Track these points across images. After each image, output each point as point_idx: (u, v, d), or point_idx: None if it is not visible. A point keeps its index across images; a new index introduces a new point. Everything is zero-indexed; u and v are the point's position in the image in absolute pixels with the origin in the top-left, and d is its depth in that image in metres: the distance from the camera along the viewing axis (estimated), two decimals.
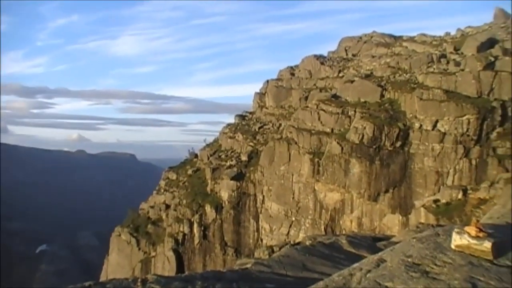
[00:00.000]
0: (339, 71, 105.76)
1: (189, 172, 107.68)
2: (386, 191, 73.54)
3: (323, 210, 78.12)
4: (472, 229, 8.95)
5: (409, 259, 8.77)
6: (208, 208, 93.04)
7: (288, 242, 65.84)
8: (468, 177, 69.04)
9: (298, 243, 26.80)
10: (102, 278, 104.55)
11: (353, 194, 75.22)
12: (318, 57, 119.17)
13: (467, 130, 70.07)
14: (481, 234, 8.86)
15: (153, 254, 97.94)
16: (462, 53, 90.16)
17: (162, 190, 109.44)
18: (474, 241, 8.78)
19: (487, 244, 8.67)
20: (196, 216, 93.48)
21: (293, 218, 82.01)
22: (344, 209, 76.42)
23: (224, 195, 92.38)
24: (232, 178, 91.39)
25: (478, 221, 9.23)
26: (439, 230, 10.64)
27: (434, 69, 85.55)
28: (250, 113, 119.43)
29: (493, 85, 74.03)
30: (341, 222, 76.88)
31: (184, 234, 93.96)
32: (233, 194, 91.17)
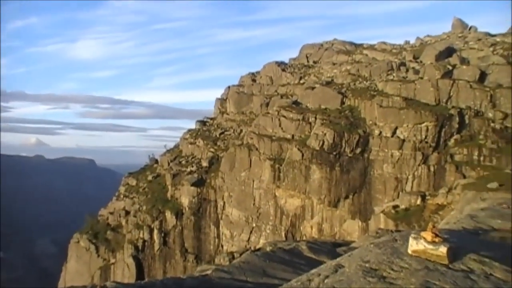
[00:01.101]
0: (300, 78, 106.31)
1: (149, 178, 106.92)
2: (346, 197, 74.15)
3: (284, 216, 78.31)
4: (428, 235, 9.11)
5: (367, 264, 8.86)
6: (168, 214, 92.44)
7: (248, 248, 65.97)
8: (426, 183, 70.15)
9: (259, 249, 26.85)
10: (60, 286, 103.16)
11: (314, 200, 75.60)
12: (280, 64, 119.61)
13: (426, 137, 71.23)
14: (437, 239, 9.03)
15: (112, 261, 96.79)
16: (421, 62, 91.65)
17: (122, 196, 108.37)
18: (430, 246, 8.94)
19: (443, 249, 8.83)
20: (156, 223, 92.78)
21: (254, 224, 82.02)
22: (304, 215, 76.73)
23: (185, 201, 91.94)
24: (193, 184, 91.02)
25: (434, 226, 9.38)
26: (397, 235, 10.78)
27: (393, 76, 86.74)
28: (211, 119, 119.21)
29: (451, 93, 75.49)
30: (301, 228, 77.17)
31: (144, 241, 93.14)
32: (193, 200, 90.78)
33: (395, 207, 67.64)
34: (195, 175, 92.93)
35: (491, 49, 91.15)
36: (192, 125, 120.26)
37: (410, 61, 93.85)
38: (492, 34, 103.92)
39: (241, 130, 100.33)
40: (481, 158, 69.09)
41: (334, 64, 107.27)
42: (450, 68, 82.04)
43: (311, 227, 76.23)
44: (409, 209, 65.96)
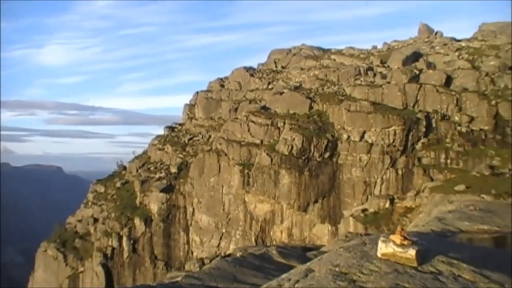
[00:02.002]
0: (269, 83, 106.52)
1: (118, 184, 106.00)
2: (316, 202, 74.43)
3: (253, 221, 78.29)
4: (397, 238, 9.13)
5: (337, 268, 8.85)
6: (137, 221, 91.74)
7: (218, 254, 65.80)
8: (394, 187, 70.81)
9: (229, 255, 26.77)
10: None
11: (283, 205, 75.70)
12: (248, 69, 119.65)
13: (394, 141, 71.93)
14: (405, 242, 9.05)
15: (81, 269, 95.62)
16: (388, 66, 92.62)
17: (90, 204, 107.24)
18: (399, 249, 8.96)
19: (412, 252, 8.86)
20: (125, 230, 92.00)
21: (224, 230, 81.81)
22: (274, 220, 76.78)
23: (154, 207, 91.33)
24: (162, 191, 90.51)
25: (402, 229, 9.41)
26: (366, 239, 10.79)
27: (361, 81, 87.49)
28: (180, 124, 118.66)
29: (418, 97, 76.47)
30: (271, 233, 77.21)
31: (113, 248, 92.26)
32: (162, 206, 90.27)
33: (364, 210, 68.11)
34: (164, 181, 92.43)
35: (457, 53, 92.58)
36: (161, 131, 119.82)
37: (378, 66, 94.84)
38: (457, 39, 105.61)
39: (210, 136, 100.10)
40: (448, 161, 70.08)
41: (302, 69, 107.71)
42: (417, 72, 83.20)
43: (281, 232, 76.30)
44: (378, 213, 66.52)
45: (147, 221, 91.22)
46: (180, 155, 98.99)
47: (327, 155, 74.93)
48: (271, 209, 76.95)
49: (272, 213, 77.01)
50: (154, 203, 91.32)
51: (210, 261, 30.60)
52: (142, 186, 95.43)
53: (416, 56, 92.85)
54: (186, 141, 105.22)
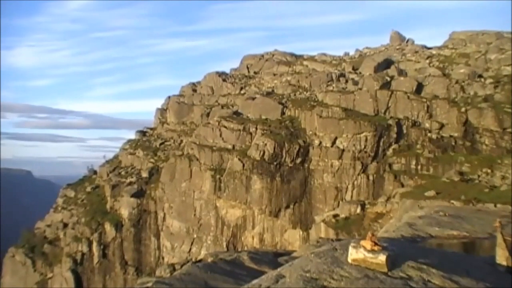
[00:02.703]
0: (241, 88, 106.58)
1: (88, 189, 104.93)
2: (287, 207, 74.54)
3: (225, 227, 78.12)
4: (367, 243, 9.16)
5: (307, 274, 8.84)
6: (107, 226, 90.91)
7: (189, 259, 65.45)
8: (366, 192, 71.30)
9: (200, 261, 26.64)
10: None
11: (255, 210, 75.69)
12: (221, 74, 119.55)
13: (365, 147, 72.46)
14: (376, 248, 9.08)
15: (50, 275, 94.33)
16: (360, 73, 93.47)
17: (60, 208, 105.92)
18: (370, 255, 8.99)
19: (382, 257, 8.89)
20: (95, 235, 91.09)
21: (195, 235, 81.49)
22: (245, 225, 76.72)
23: (124, 212, 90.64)
24: (133, 195, 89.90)
25: (373, 235, 9.44)
26: (337, 244, 10.81)
27: (333, 87, 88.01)
28: (151, 129, 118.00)
29: (389, 103, 77.19)
30: (242, 238, 77.11)
31: (83, 254, 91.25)
32: (133, 211, 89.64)
33: (335, 216, 68.41)
34: (135, 186, 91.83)
35: (428, 61, 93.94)
36: (132, 135, 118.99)
37: (350, 72, 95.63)
38: (428, 47, 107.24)
39: (182, 141, 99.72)
40: (419, 167, 70.80)
41: (274, 74, 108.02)
42: (388, 79, 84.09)
43: (253, 237, 76.26)
44: (349, 218, 66.86)
45: (118, 226, 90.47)
46: (152, 160, 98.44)
47: (298, 160, 75.16)
48: (242, 214, 76.89)
49: (243, 218, 76.95)
50: (125, 208, 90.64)
51: (181, 266, 30.42)
52: (113, 191, 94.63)
53: (387, 63, 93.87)
54: (158, 146, 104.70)
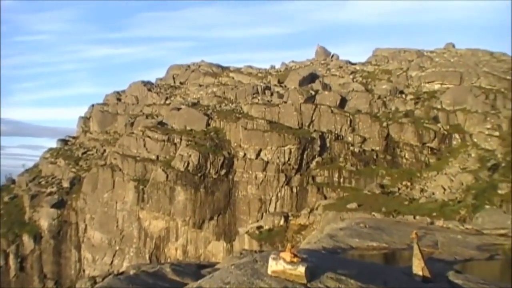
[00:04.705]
0: (166, 98, 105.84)
1: (6, 199, 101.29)
2: (211, 219, 74.38)
3: (148, 238, 77.15)
4: (287, 255, 9.14)
5: (227, 286, 8.78)
6: (25, 238, 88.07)
7: (111, 272, 64.18)
8: (289, 204, 71.99)
9: (122, 273, 26.15)
10: None
11: (178, 222, 75.14)
12: (146, 83, 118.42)
13: (289, 159, 73.23)
14: (295, 259, 9.08)
15: None
16: (285, 86, 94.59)
17: None
18: (289, 266, 8.98)
19: (301, 269, 8.90)
20: (13, 247, 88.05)
21: (117, 247, 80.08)
22: (169, 237, 75.99)
23: (44, 223, 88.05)
24: (53, 206, 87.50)
25: (292, 246, 9.44)
26: (257, 256, 10.78)
27: (258, 100, 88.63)
28: (74, 137, 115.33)
29: (313, 117, 78.44)
30: (166, 250, 76.34)
31: None
32: (53, 222, 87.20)
33: (259, 227, 68.74)
34: (56, 196, 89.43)
35: (351, 76, 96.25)
36: (53, 144, 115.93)
37: (275, 85, 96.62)
38: (352, 62, 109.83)
39: (105, 150, 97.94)
40: (341, 180, 72.19)
41: (200, 85, 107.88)
42: (313, 93, 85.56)
43: (176, 249, 75.63)
44: (273, 230, 67.36)
45: (37, 238, 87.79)
46: (73, 170, 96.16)
47: (223, 172, 75.18)
48: (166, 226, 76.15)
49: (167, 230, 76.21)
50: (45, 219, 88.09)
51: (103, 279, 29.71)
52: (32, 201, 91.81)
53: (312, 77, 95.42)
54: (80, 155, 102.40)
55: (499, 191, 58.35)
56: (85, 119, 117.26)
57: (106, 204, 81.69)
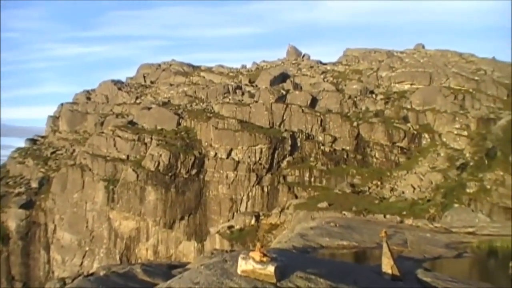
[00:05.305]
0: (137, 98, 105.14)
1: None
2: (182, 219, 74.16)
3: (118, 239, 76.61)
4: (256, 254, 9.11)
5: (197, 286, 8.73)
6: None
7: (81, 273, 63.61)
8: (260, 204, 72.09)
9: (92, 274, 26.01)
10: None
11: (149, 222, 74.76)
12: (116, 82, 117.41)
13: (260, 159, 73.34)
14: (265, 259, 9.05)
15: None
16: (256, 86, 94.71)
17: None
18: (259, 266, 8.94)
19: (271, 268, 8.87)
20: None
21: (87, 248, 79.38)
22: (139, 237, 75.58)
23: (12, 224, 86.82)
24: (21, 207, 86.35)
25: (262, 246, 9.41)
26: (227, 256, 10.75)
27: (229, 99, 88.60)
28: (42, 137, 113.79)
29: (284, 116, 78.61)
30: (136, 250, 75.91)
31: None
32: (21, 223, 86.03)
33: (230, 227, 68.70)
34: (24, 196, 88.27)
35: (322, 76, 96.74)
36: (22, 143, 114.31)
37: (246, 85, 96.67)
38: (323, 62, 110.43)
39: (74, 150, 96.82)
40: (312, 179, 72.49)
41: (171, 85, 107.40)
42: (284, 93, 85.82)
43: (147, 250, 75.23)
44: (244, 229, 67.38)
45: (4, 239, 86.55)
46: (42, 169, 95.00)
47: (194, 171, 75.00)
48: (136, 226, 75.73)
49: (137, 230, 75.79)
50: (12, 220, 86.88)
51: (72, 281, 29.42)
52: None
53: (283, 77, 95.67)
54: (49, 155, 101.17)
55: (468, 190, 59.31)
56: (54, 118, 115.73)
57: (75, 205, 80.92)
